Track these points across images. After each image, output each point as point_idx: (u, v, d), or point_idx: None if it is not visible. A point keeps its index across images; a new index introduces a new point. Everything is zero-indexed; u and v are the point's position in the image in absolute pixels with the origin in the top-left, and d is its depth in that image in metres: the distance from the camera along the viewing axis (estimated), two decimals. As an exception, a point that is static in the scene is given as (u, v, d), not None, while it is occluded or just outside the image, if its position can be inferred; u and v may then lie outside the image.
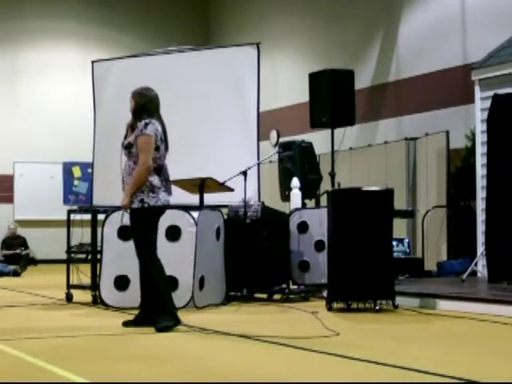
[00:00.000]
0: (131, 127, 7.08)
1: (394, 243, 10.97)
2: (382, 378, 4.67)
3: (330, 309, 8.19)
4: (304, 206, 10.59)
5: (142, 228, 6.95)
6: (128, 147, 6.97)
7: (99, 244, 8.80)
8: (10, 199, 19.39)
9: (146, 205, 6.86)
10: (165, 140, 7.08)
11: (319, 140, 13.20)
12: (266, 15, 18.78)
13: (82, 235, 9.32)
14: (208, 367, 5.09)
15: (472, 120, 11.66)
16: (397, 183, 12.18)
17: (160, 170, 7.01)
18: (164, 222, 8.46)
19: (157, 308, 6.90)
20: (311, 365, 5.18)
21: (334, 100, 11.46)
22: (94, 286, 8.93)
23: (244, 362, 5.33)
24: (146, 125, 6.92)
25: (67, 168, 19.52)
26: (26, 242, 17.72)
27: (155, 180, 6.91)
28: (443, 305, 8.22)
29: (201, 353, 5.72)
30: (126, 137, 7.09)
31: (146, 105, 7.04)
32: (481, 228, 10.65)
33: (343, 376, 4.76)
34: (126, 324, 7.02)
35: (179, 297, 8.31)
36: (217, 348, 6.01)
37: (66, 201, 19.03)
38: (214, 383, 4.63)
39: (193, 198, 9.13)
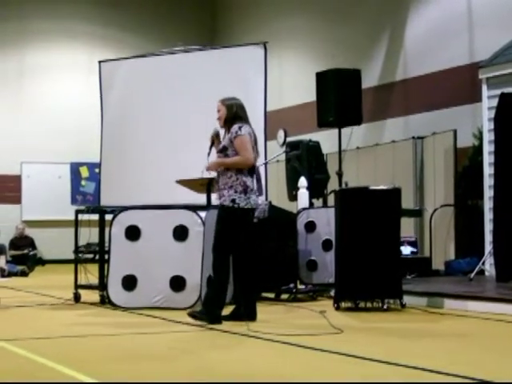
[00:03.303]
0: (217, 136, 7.38)
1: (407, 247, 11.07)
2: (389, 377, 4.67)
3: (337, 308, 8.19)
4: (311, 205, 10.59)
5: (225, 226, 7.18)
6: (223, 150, 7.24)
7: (107, 244, 8.82)
8: (17, 200, 19.42)
9: (236, 205, 7.10)
10: (255, 144, 7.32)
11: (326, 139, 13.21)
12: (272, 15, 18.77)
13: (89, 235, 9.35)
14: (214, 366, 5.10)
15: (479, 119, 11.64)
16: (404, 182, 12.17)
17: (253, 171, 7.29)
18: (171, 222, 8.50)
19: (205, 301, 7.27)
20: (318, 364, 5.18)
21: (341, 99, 11.47)
22: (102, 285, 8.94)
23: (250, 361, 5.33)
24: (240, 127, 7.18)
25: (74, 168, 19.56)
26: (33, 243, 17.72)
27: (248, 181, 7.18)
28: (451, 304, 8.21)
29: (207, 352, 5.72)
30: (211, 147, 7.37)
31: (238, 112, 7.31)
32: (488, 227, 10.63)
33: (351, 375, 4.75)
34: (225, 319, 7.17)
35: (187, 296, 8.33)
36: (223, 347, 6.02)
37: (73, 201, 19.07)
38: (220, 383, 4.63)
39: (200, 198, 9.13)
